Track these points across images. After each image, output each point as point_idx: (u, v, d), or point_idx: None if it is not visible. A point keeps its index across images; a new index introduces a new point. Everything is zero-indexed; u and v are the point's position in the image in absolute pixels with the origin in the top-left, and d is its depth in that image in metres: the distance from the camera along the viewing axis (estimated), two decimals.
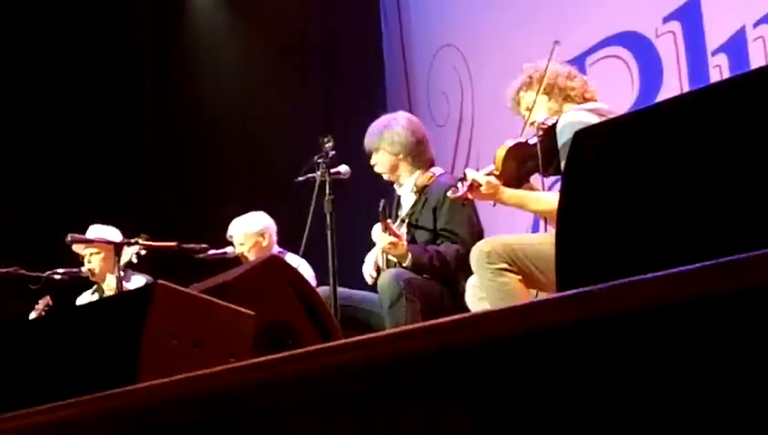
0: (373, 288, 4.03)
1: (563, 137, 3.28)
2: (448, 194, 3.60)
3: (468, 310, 3.52)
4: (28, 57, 6.62)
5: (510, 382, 1.25)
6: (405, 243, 4.00)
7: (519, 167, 3.53)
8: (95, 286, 5.29)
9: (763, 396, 1.07)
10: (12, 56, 6.58)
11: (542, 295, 3.30)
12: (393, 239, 3.95)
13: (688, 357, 1.12)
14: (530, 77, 3.62)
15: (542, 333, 1.18)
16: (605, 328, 1.15)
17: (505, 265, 3.27)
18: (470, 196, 3.44)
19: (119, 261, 4.99)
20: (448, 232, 4.09)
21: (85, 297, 5.29)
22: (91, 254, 5.18)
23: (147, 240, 4.85)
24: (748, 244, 1.13)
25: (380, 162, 4.32)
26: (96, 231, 5.13)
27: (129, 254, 4.87)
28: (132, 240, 4.93)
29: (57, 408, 1.76)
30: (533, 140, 3.48)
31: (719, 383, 1.10)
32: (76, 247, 5.15)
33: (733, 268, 1.05)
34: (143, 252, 4.85)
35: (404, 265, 4.00)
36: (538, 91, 3.55)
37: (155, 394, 1.64)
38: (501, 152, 3.50)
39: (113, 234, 5.08)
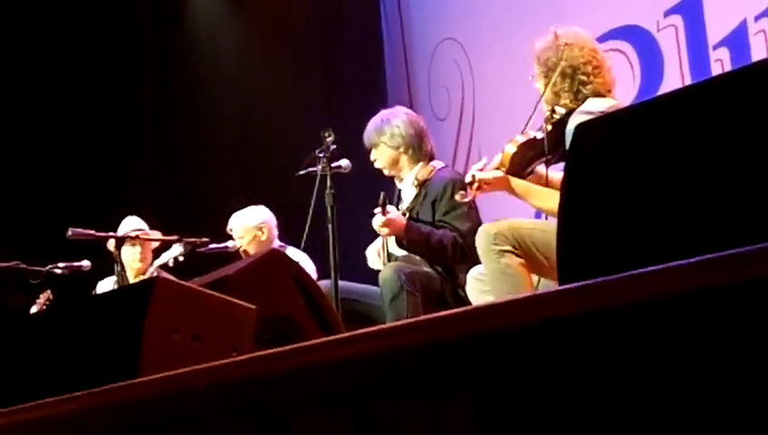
0: (374, 282, 4.04)
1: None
2: (456, 197, 3.59)
3: (470, 303, 3.52)
4: (28, 53, 6.60)
5: (512, 375, 1.25)
6: (402, 219, 4.04)
7: (523, 159, 3.51)
8: (117, 276, 5.25)
9: (762, 387, 1.07)
10: (12, 52, 6.57)
11: (545, 282, 3.31)
12: (383, 219, 3.96)
13: (689, 349, 1.12)
14: (546, 65, 3.47)
15: (544, 326, 1.18)
16: (606, 321, 1.15)
17: (510, 248, 3.26)
18: (479, 193, 3.43)
19: (119, 254, 5.01)
20: (446, 224, 4.10)
21: (107, 284, 5.25)
22: (134, 244, 5.17)
23: (186, 245, 4.82)
24: (748, 237, 1.13)
25: (381, 157, 4.32)
26: (131, 223, 5.15)
27: (167, 258, 4.86)
28: (132, 234, 4.94)
29: (59, 402, 1.76)
30: (540, 135, 3.46)
31: (720, 375, 1.10)
32: (109, 245, 5.14)
33: (733, 262, 1.05)
34: (181, 258, 4.82)
35: (402, 241, 4.03)
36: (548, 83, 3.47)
37: (156, 388, 1.64)
38: (510, 149, 3.46)
39: (145, 227, 5.13)
